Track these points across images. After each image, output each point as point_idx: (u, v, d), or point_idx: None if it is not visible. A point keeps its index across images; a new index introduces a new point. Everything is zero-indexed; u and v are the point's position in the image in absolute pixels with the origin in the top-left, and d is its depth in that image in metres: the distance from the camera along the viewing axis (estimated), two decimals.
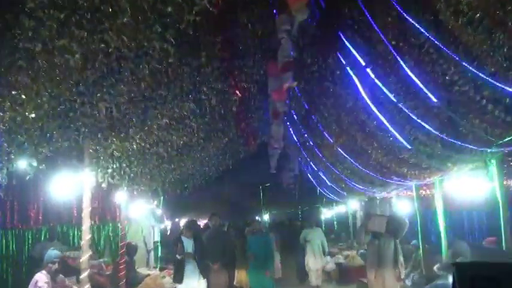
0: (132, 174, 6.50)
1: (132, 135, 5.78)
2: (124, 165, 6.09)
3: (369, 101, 5.31)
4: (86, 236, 5.75)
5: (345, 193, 12.01)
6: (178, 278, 7.04)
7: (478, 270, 2.19)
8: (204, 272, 7.14)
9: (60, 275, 5.49)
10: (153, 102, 4.82)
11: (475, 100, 3.97)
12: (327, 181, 11.68)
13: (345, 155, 7.77)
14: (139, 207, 9.53)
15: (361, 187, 9.85)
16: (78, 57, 3.32)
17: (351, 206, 15.29)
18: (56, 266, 5.35)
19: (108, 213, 9.96)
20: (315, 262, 11.10)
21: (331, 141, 7.58)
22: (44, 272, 5.27)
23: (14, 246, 8.91)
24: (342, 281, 11.78)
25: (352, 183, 9.79)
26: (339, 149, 7.69)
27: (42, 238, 10.10)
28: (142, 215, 10.96)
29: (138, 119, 5.21)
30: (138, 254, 10.61)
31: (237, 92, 5.46)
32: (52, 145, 4.69)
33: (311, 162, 10.87)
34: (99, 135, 5.58)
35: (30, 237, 10.64)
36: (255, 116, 7.55)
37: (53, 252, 5.48)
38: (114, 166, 6.18)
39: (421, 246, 8.14)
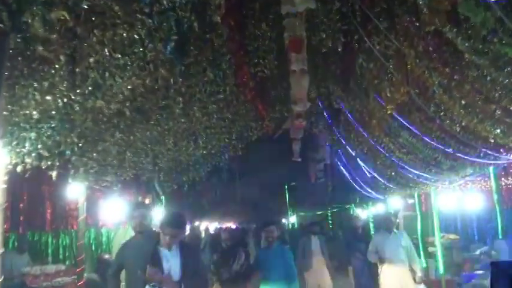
0: (67, 151, 4.04)
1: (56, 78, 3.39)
2: (42, 133, 3.66)
3: None
4: None
5: (391, 185, 9.24)
6: None
7: None
8: None
9: None
10: None
11: None
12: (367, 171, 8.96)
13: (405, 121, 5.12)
14: (117, 206, 7.06)
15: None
16: None
17: (392, 204, 12.70)
18: None
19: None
20: None
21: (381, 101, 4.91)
22: None
23: None
24: None
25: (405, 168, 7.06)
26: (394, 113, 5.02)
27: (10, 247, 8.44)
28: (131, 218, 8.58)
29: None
30: None
31: None
32: None
33: (346, 144, 8.15)
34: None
35: None
36: (264, 64, 4.72)
37: None
38: (33, 136, 3.78)
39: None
